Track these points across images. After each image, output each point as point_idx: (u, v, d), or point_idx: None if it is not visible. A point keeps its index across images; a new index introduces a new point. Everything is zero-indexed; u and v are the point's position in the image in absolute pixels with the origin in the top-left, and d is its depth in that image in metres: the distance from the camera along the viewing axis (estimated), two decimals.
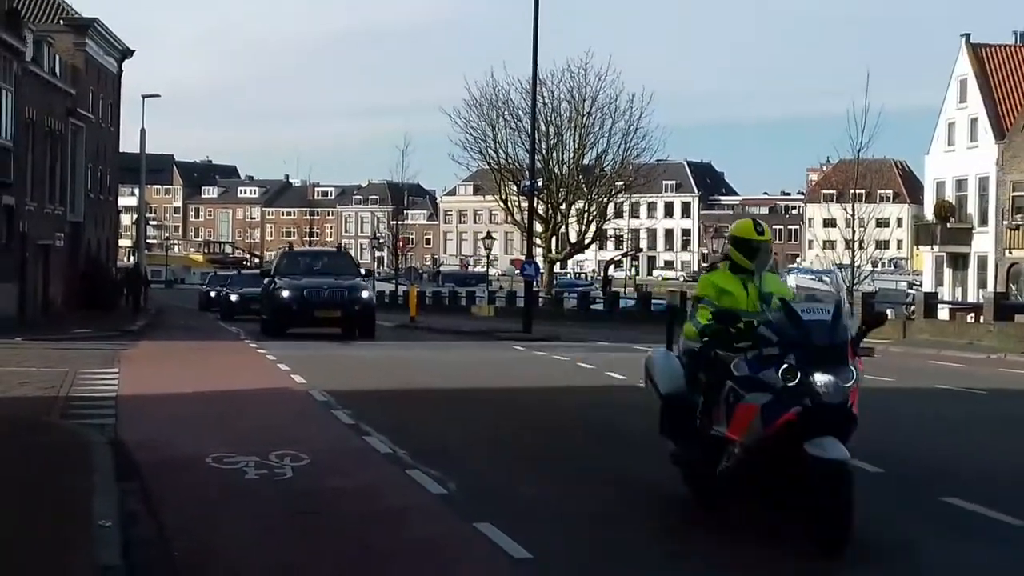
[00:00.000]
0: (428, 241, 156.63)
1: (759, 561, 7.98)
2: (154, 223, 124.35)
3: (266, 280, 34.55)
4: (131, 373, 20.86)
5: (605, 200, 68.35)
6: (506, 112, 63.49)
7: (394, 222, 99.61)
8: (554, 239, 64.80)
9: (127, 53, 63.66)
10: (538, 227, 56.15)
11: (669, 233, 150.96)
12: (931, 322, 40.12)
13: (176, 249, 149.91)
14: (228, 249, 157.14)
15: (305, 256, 39.30)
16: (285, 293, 30.93)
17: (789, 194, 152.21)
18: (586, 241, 69.65)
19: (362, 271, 36.29)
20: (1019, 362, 26.91)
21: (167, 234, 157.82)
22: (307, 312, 30.47)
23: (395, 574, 8.05)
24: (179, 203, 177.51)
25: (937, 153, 67.03)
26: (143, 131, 58.26)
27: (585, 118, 64.39)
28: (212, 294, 57.75)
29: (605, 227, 74.39)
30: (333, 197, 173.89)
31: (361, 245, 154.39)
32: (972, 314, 45.31)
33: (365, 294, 31.94)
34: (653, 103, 63.53)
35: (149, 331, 35.99)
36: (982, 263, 61.44)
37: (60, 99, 50.31)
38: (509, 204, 65.26)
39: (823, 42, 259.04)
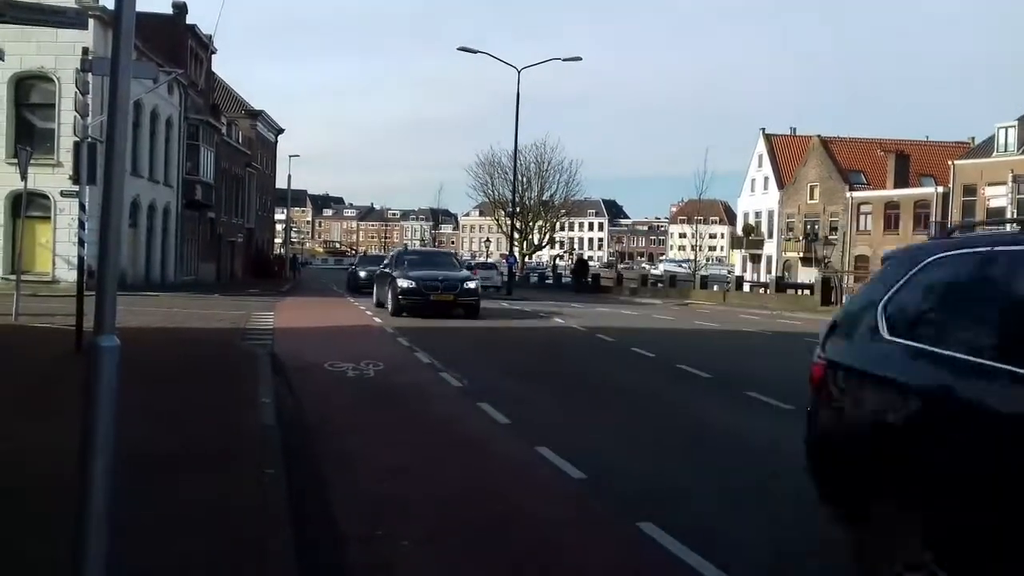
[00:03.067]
0: (453, 242, 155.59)
1: None
2: (295, 230, 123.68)
3: None
4: (282, 315, 20.80)
5: (555, 220, 68.83)
6: (499, 169, 63.71)
7: (434, 231, 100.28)
8: (525, 243, 64.90)
9: (280, 130, 63.31)
10: (516, 235, 56.24)
11: (591, 240, 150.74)
12: (740, 293, 40.28)
13: (307, 244, 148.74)
14: (337, 246, 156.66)
15: None
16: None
17: (660, 219, 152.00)
18: (544, 244, 69.94)
19: None
20: (789, 316, 27.07)
21: (302, 236, 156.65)
22: None
23: (432, 427, 8.10)
24: (309, 218, 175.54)
25: (745, 196, 67.32)
26: (289, 176, 59.46)
27: (544, 173, 64.82)
28: (363, 274, 32.23)
29: (555, 236, 74.37)
30: (399, 217, 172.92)
31: (414, 245, 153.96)
32: (763, 288, 45.49)
33: None
34: (584, 165, 64.42)
35: (292, 292, 35.84)
36: (769, 260, 61.81)
37: (241, 157, 50.03)
38: (500, 222, 65.58)
39: (684, 130, 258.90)
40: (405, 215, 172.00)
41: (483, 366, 12.34)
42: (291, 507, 5.15)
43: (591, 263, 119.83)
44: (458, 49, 35.94)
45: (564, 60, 37.28)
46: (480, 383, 10.49)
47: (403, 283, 19.70)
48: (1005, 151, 43.64)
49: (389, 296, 20.22)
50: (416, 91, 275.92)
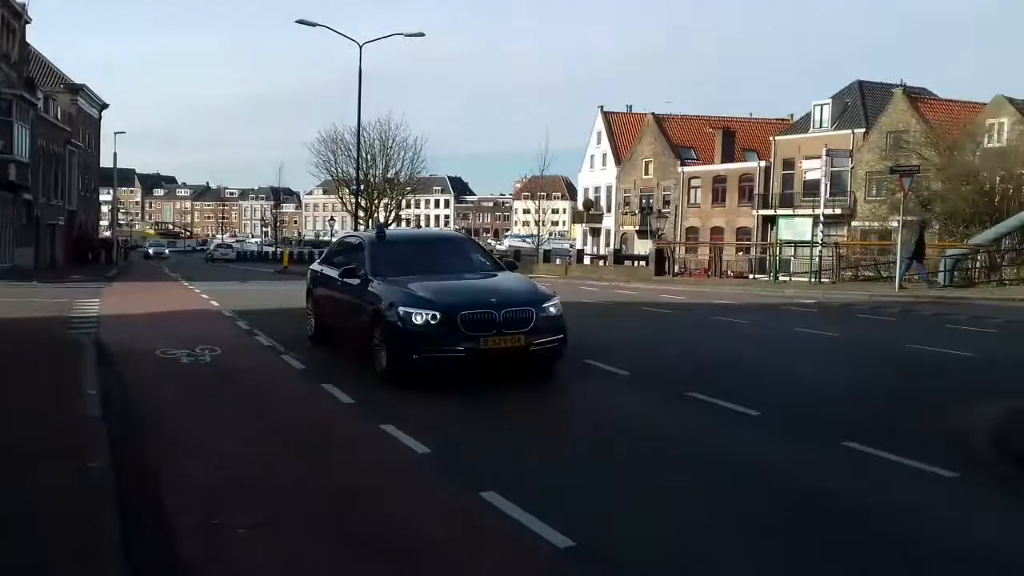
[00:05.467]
0: (295, 221, 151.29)
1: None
2: (123, 211, 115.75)
3: None
4: (108, 301, 19.62)
5: (400, 198, 68.25)
6: (342, 146, 62.34)
7: (274, 211, 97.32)
8: (371, 221, 63.96)
9: (104, 105, 59.28)
10: (361, 213, 55.38)
11: (437, 217, 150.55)
12: (581, 266, 41.40)
13: (136, 226, 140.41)
14: (170, 227, 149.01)
15: None
16: None
17: (504, 195, 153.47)
18: (390, 222, 69.13)
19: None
20: (625, 286, 28.01)
21: (131, 218, 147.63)
22: None
23: (271, 411, 7.88)
24: (139, 199, 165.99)
25: (585, 171, 68.79)
26: (115, 154, 55.79)
27: (389, 150, 63.93)
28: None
29: (400, 214, 73.67)
30: (237, 196, 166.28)
31: (255, 225, 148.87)
32: (602, 261, 46.91)
33: None
34: (430, 142, 63.67)
35: (120, 277, 33.86)
36: (608, 233, 63.63)
37: (61, 134, 46.60)
38: (344, 200, 64.42)
39: (527, 107, 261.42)
40: (244, 194, 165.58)
41: (328, 348, 12.08)
42: (119, 501, 4.89)
43: None
44: (296, 22, 34.70)
45: (407, 36, 36.79)
46: (323, 365, 10.29)
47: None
48: (820, 127, 46.75)
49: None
50: (255, 65, 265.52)
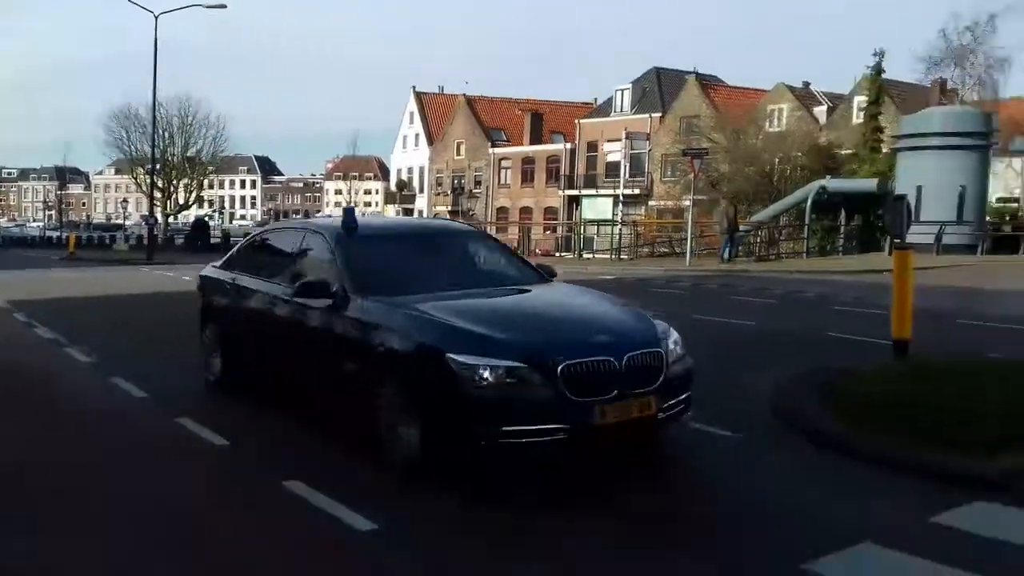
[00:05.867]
0: (84, 204, 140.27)
1: None
2: None
3: None
4: None
5: (202, 178, 65.09)
6: (136, 122, 58.52)
7: (59, 192, 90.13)
8: (169, 202, 60.56)
9: None
10: (158, 195, 52.27)
11: (243, 198, 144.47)
12: None
13: None
14: None
15: None
16: None
17: (315, 175, 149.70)
18: (191, 203, 65.74)
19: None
20: None
21: None
22: None
23: (55, 409, 7.27)
24: None
25: (398, 152, 68.66)
26: None
27: (189, 127, 60.75)
28: None
29: (202, 195, 70.17)
30: (16, 176, 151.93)
31: (36, 208, 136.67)
32: None
33: None
34: (235, 121, 61.35)
35: None
36: (420, 214, 63.75)
37: None
38: (139, 180, 60.59)
39: (339, 87, 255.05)
40: (24, 174, 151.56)
41: (112, 338, 11.24)
42: None
43: (243, 221, 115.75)
44: None
45: (207, 7, 35.01)
46: (114, 357, 9.59)
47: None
48: (621, 111, 48.83)
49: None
50: (37, 35, 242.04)
